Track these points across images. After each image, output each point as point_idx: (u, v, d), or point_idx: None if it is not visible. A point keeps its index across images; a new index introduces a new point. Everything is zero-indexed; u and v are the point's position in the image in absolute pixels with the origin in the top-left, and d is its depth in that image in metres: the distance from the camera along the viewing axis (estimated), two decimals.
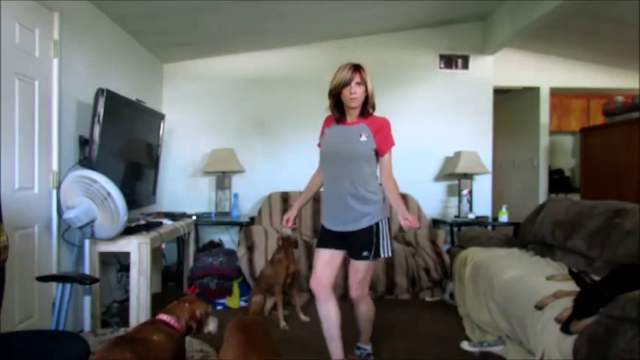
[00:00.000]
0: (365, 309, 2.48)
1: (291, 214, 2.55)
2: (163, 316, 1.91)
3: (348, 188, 2.32)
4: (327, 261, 2.40)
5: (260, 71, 4.93)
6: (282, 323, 3.24)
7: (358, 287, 2.39)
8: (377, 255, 2.33)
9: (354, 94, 2.27)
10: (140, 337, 1.75)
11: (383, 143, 2.36)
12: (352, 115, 2.37)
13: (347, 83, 2.26)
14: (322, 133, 2.48)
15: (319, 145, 2.49)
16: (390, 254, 2.37)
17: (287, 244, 3.38)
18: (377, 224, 2.33)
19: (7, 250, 1.59)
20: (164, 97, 4.90)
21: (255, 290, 3.50)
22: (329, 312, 2.36)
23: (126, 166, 3.51)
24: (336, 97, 2.33)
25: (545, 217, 3.54)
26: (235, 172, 4.80)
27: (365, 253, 2.32)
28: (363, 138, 2.32)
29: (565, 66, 5.51)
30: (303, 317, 3.37)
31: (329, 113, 2.45)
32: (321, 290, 2.36)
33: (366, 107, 2.35)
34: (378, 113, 2.45)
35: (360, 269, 2.35)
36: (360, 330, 2.59)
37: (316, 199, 4.46)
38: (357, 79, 2.26)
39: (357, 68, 2.28)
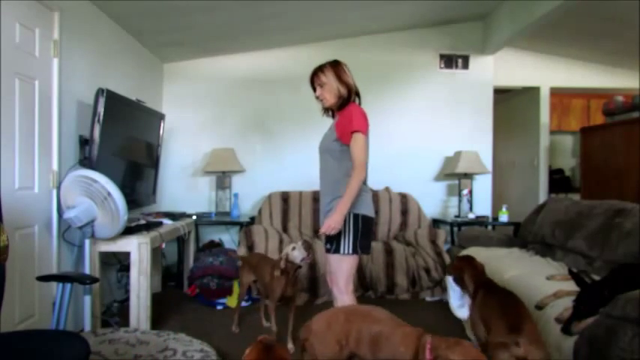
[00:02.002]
0: None
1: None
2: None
3: (321, 184, 2.43)
4: None
5: (260, 71, 4.93)
6: (273, 325, 2.95)
7: (330, 280, 2.42)
8: (337, 250, 2.27)
9: (319, 96, 2.41)
10: None
11: (342, 130, 2.28)
12: (336, 113, 2.46)
13: (313, 89, 2.44)
14: None
15: None
16: (350, 251, 2.26)
17: (291, 268, 2.84)
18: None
19: (7, 250, 1.59)
20: (164, 97, 4.90)
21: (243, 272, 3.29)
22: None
23: (126, 165, 3.51)
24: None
25: (545, 217, 3.54)
26: (235, 171, 4.80)
27: (327, 246, 2.31)
28: (328, 132, 2.41)
29: (565, 66, 5.51)
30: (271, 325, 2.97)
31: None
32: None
33: (350, 100, 2.37)
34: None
35: (328, 261, 2.39)
36: None
37: (316, 200, 4.46)
38: (317, 81, 2.40)
39: (315, 72, 2.41)
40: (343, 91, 2.34)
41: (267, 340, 1.48)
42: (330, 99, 2.36)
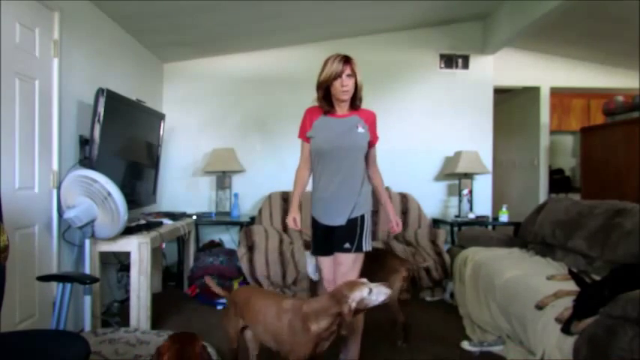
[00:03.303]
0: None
1: (297, 214, 2.43)
2: None
3: (345, 181, 2.29)
4: (331, 265, 2.40)
5: (260, 71, 4.93)
6: None
7: (336, 283, 2.27)
8: (359, 248, 2.28)
9: (345, 87, 2.24)
10: None
11: (374, 136, 2.40)
12: (342, 108, 2.33)
13: (338, 75, 2.22)
14: (308, 126, 2.36)
15: (307, 139, 2.38)
16: (370, 248, 2.34)
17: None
18: (362, 216, 2.31)
19: (7, 250, 1.59)
20: (164, 97, 4.90)
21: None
22: None
23: (126, 165, 3.51)
24: (325, 90, 2.29)
25: (545, 217, 3.54)
26: (236, 171, 4.80)
27: (347, 245, 2.27)
28: (361, 130, 2.30)
29: (565, 66, 5.51)
30: None
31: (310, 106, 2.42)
32: None
33: (356, 99, 2.32)
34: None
35: (342, 262, 2.30)
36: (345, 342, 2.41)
37: None
38: (348, 71, 2.23)
39: (347, 60, 2.25)
40: (359, 90, 2.32)
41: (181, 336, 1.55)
42: (352, 90, 2.27)
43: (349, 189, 2.30)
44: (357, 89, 2.30)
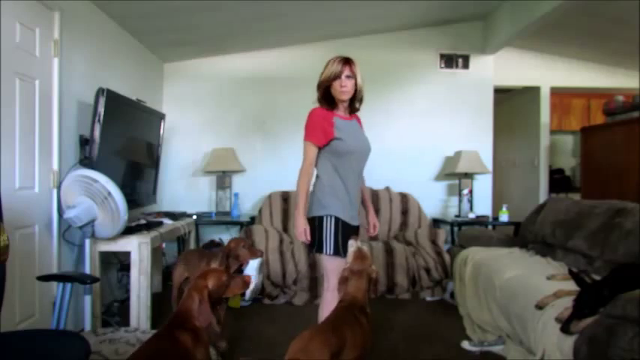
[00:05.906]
0: None
1: (307, 226, 2.29)
2: None
3: (360, 182, 2.45)
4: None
5: (260, 71, 4.93)
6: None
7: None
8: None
9: (344, 87, 2.27)
10: None
11: None
12: (344, 110, 2.37)
13: (337, 76, 2.26)
14: (330, 128, 2.27)
15: (321, 141, 2.28)
16: None
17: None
18: None
19: (7, 250, 1.59)
20: (164, 97, 4.90)
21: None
22: None
23: (126, 165, 3.51)
24: (325, 90, 2.31)
25: (545, 217, 3.54)
26: (236, 171, 4.81)
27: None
28: (362, 133, 2.45)
29: (565, 65, 5.51)
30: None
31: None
32: None
33: (355, 101, 2.36)
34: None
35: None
36: None
37: None
38: (347, 72, 2.26)
39: (347, 61, 2.28)
40: (359, 92, 2.34)
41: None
42: (351, 91, 2.30)
43: (359, 189, 2.46)
44: (356, 91, 2.32)
